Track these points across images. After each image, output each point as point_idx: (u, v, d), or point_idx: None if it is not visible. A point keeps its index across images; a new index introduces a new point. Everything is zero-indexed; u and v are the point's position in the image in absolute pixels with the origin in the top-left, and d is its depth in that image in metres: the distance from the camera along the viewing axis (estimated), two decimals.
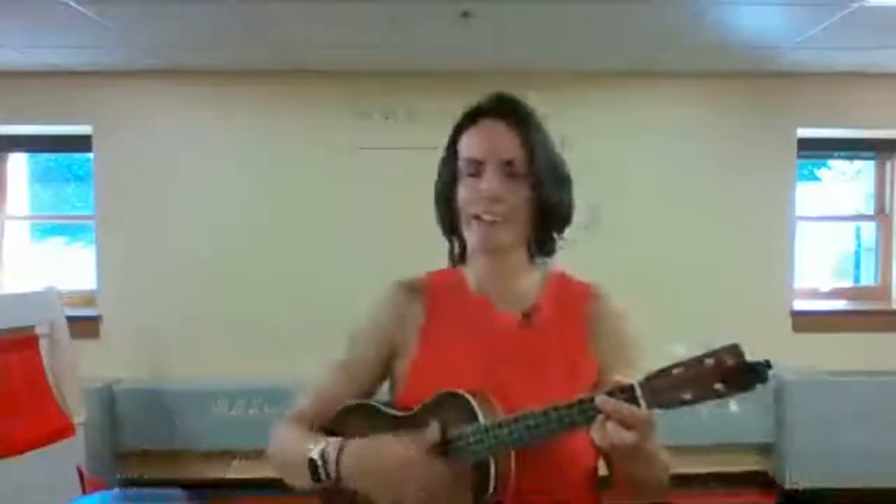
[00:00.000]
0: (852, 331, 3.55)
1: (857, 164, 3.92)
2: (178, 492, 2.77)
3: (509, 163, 1.10)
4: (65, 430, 2.73)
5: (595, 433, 0.90)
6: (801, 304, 3.62)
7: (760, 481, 3.50)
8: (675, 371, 0.86)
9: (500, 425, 0.98)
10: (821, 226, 3.90)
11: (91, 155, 3.47)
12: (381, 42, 2.92)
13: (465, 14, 2.59)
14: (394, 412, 1.11)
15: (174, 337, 3.45)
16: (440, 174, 1.19)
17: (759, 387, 0.86)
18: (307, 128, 3.45)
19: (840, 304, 3.77)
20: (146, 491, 2.93)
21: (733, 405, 0.88)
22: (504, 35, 2.86)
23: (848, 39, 2.91)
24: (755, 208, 3.54)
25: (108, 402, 3.29)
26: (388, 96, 3.37)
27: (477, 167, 1.11)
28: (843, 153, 3.88)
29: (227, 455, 3.34)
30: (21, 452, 2.56)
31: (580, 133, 3.46)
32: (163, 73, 3.40)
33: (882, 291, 3.78)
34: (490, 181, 1.09)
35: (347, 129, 3.42)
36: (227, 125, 3.47)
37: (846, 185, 4.00)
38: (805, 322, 3.57)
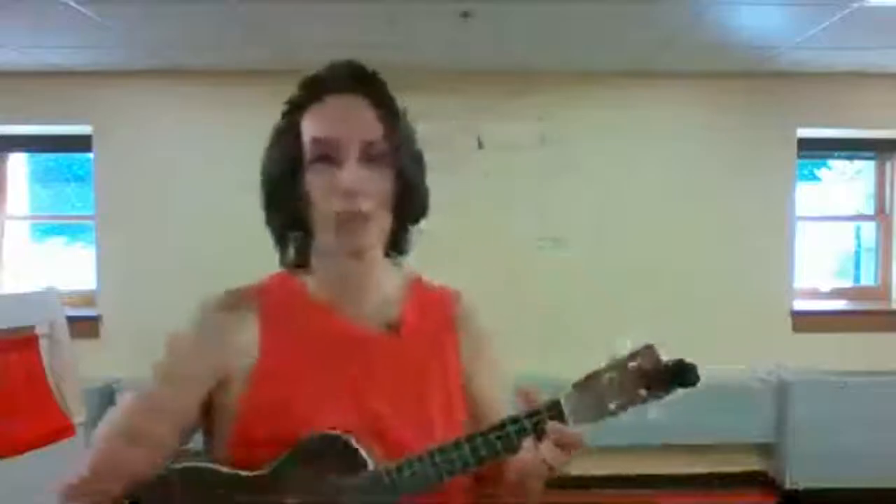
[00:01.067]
0: (852, 331, 3.55)
1: (857, 164, 3.92)
2: None
3: (369, 144, 0.90)
4: (65, 430, 2.73)
5: (529, 455, 0.80)
6: (801, 304, 3.62)
7: (760, 481, 3.50)
8: (600, 379, 0.81)
9: (398, 469, 0.81)
10: (821, 226, 3.90)
11: (91, 155, 3.47)
12: (381, 42, 2.92)
13: (465, 14, 2.59)
14: (241, 473, 0.83)
15: None
16: (272, 158, 0.97)
17: (680, 390, 0.79)
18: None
19: (840, 304, 3.77)
20: None
21: (652, 412, 0.80)
22: (503, 35, 2.86)
23: (848, 39, 2.91)
24: (755, 208, 3.54)
25: (108, 402, 3.29)
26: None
27: (327, 150, 0.90)
28: (843, 153, 3.88)
29: None
30: (21, 452, 2.56)
31: (579, 133, 3.47)
32: (163, 73, 3.39)
33: (882, 291, 3.78)
34: (351, 170, 0.88)
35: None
36: (227, 125, 3.47)
37: (846, 185, 4.00)
38: (805, 322, 3.57)
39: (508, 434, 0.81)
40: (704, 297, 3.46)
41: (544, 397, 0.83)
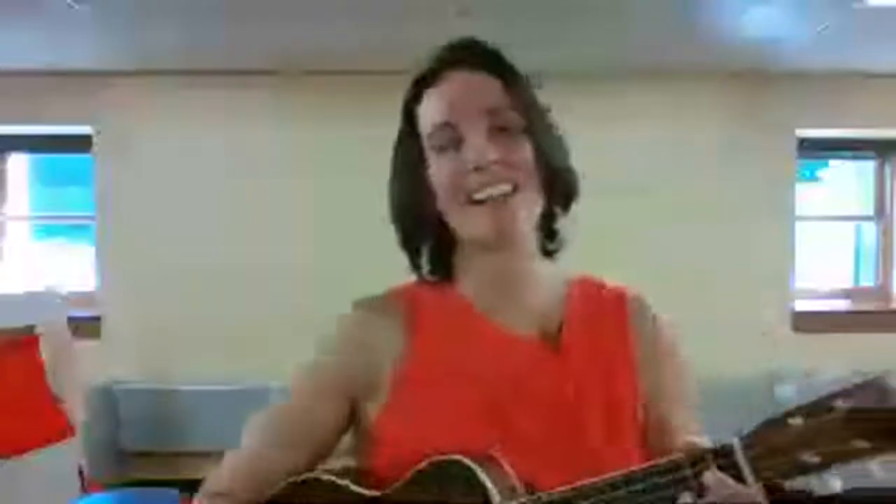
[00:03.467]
0: (852, 331, 3.55)
1: (858, 164, 3.92)
2: (177, 492, 2.77)
3: (495, 112, 0.79)
4: (65, 431, 2.73)
5: None
6: (801, 304, 3.62)
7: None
8: (790, 422, 0.60)
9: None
10: (821, 226, 3.90)
11: (91, 155, 3.47)
12: (381, 42, 2.92)
13: (462, 13, 2.59)
14: (362, 491, 0.78)
15: (174, 337, 3.45)
16: (396, 165, 0.88)
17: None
18: (308, 128, 3.45)
19: (840, 305, 3.77)
20: (146, 491, 2.93)
21: (876, 470, 0.61)
22: (502, 34, 2.86)
23: (848, 39, 2.91)
24: (755, 208, 3.53)
25: (108, 402, 3.29)
26: (390, 96, 3.36)
27: (452, 134, 0.79)
28: (843, 153, 3.88)
29: None
30: (21, 452, 2.56)
31: (578, 132, 3.47)
32: (163, 74, 3.39)
33: (882, 291, 3.78)
34: (477, 145, 0.77)
35: (350, 129, 3.42)
36: (227, 125, 3.47)
37: (846, 185, 4.00)
38: (805, 322, 3.56)
39: (664, 481, 0.63)
40: (704, 297, 3.46)
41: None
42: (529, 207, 0.80)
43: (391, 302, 0.87)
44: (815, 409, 0.60)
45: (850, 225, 3.96)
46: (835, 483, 0.61)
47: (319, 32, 2.81)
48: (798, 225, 3.61)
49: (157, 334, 3.45)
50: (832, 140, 3.71)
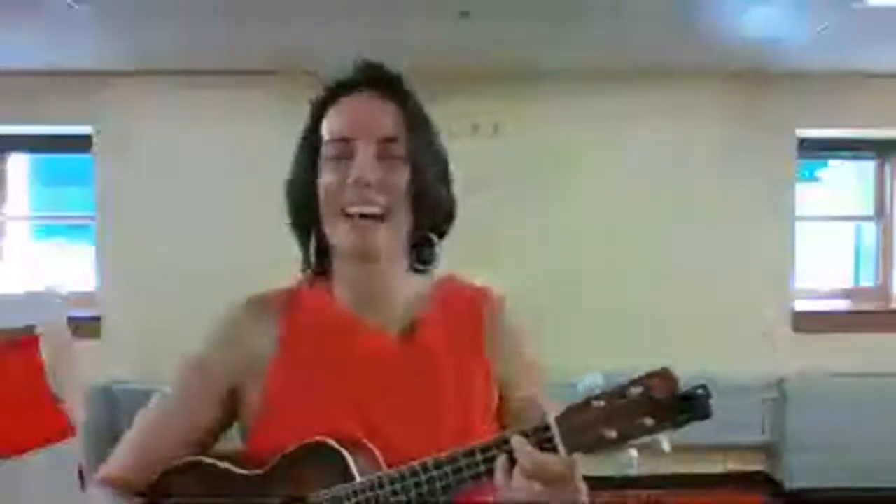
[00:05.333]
0: (852, 331, 3.55)
1: (858, 164, 3.92)
2: None
3: (389, 140, 0.87)
4: (65, 431, 2.73)
5: (499, 485, 0.72)
6: (801, 304, 3.62)
7: (760, 481, 3.50)
8: (594, 404, 0.71)
9: (380, 484, 0.78)
10: (821, 226, 3.90)
11: (91, 155, 3.47)
12: (381, 42, 2.92)
13: (464, 14, 2.59)
14: (238, 471, 0.86)
15: (175, 337, 3.42)
16: (296, 160, 0.96)
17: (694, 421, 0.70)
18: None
19: (840, 305, 3.77)
20: None
21: (665, 444, 0.71)
22: (502, 34, 2.86)
23: (848, 39, 2.91)
24: (755, 208, 3.53)
25: (108, 402, 3.29)
26: None
27: (345, 148, 0.87)
28: (843, 153, 3.88)
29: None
30: (21, 452, 2.56)
31: (578, 133, 3.47)
32: (163, 74, 3.39)
33: (882, 291, 3.78)
34: (364, 163, 0.85)
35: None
36: (227, 125, 3.47)
37: (846, 185, 4.00)
38: (805, 322, 3.57)
39: (476, 461, 0.74)
40: (704, 297, 3.46)
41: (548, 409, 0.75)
42: (395, 230, 0.88)
43: (273, 299, 0.96)
44: (613, 394, 0.71)
45: (850, 225, 3.96)
46: (632, 454, 0.71)
47: (319, 32, 2.81)
48: (798, 225, 3.61)
49: (158, 334, 3.44)
50: (832, 140, 3.71)
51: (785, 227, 3.58)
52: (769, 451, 3.49)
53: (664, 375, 0.70)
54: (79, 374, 2.86)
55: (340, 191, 0.86)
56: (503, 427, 0.90)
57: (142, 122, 3.46)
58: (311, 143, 0.92)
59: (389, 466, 0.80)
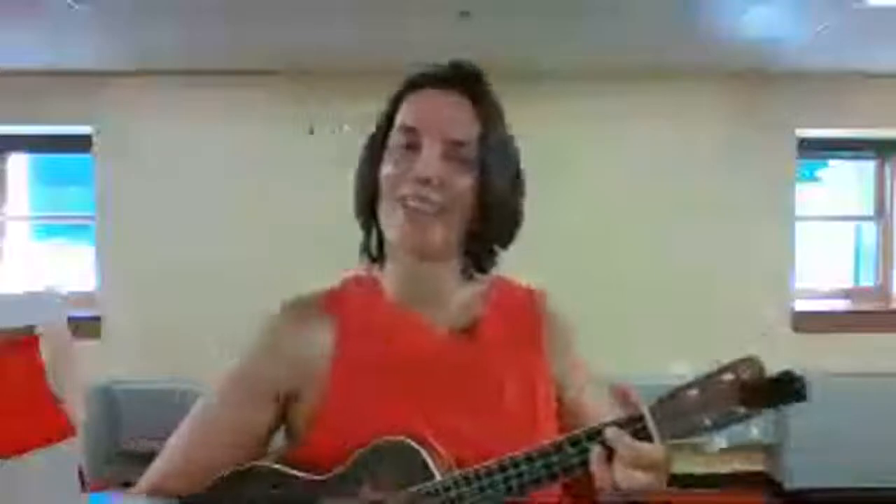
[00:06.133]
0: (852, 331, 3.55)
1: (858, 164, 3.92)
2: None
3: (457, 143, 0.85)
4: (65, 431, 2.73)
5: (599, 475, 0.73)
6: (801, 304, 3.62)
7: (760, 481, 3.50)
8: (688, 392, 0.73)
9: (466, 480, 0.77)
10: (821, 226, 3.90)
11: (91, 155, 3.47)
12: (381, 42, 2.92)
13: (464, 13, 2.59)
14: (306, 476, 0.83)
15: (175, 337, 3.44)
16: (364, 148, 0.93)
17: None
18: (308, 128, 3.44)
19: (840, 305, 3.77)
20: None
21: (718, 443, 0.74)
22: (502, 34, 2.86)
23: (848, 39, 2.91)
24: (755, 208, 3.53)
25: (108, 402, 3.29)
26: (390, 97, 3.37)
27: (413, 139, 0.86)
28: (843, 153, 3.88)
29: None
30: (21, 452, 2.56)
31: (578, 133, 3.47)
32: (163, 74, 3.39)
33: (882, 291, 3.78)
34: (428, 160, 0.83)
35: (350, 129, 3.42)
36: (227, 125, 3.47)
37: (846, 185, 4.00)
38: (805, 322, 3.57)
39: (581, 447, 0.74)
40: (704, 297, 3.46)
41: (635, 397, 0.76)
42: (448, 230, 0.86)
43: (319, 301, 0.93)
44: (706, 381, 0.72)
45: (850, 225, 3.96)
46: (720, 441, 0.74)
47: (319, 32, 2.81)
48: (798, 225, 3.61)
49: (157, 334, 3.45)
50: (832, 140, 3.71)
51: (785, 227, 3.58)
52: (769, 451, 3.49)
53: (752, 361, 0.71)
54: (79, 374, 2.86)
55: (400, 182, 0.85)
56: (561, 426, 0.90)
57: (142, 122, 3.46)
58: (381, 132, 0.90)
59: (456, 465, 0.80)
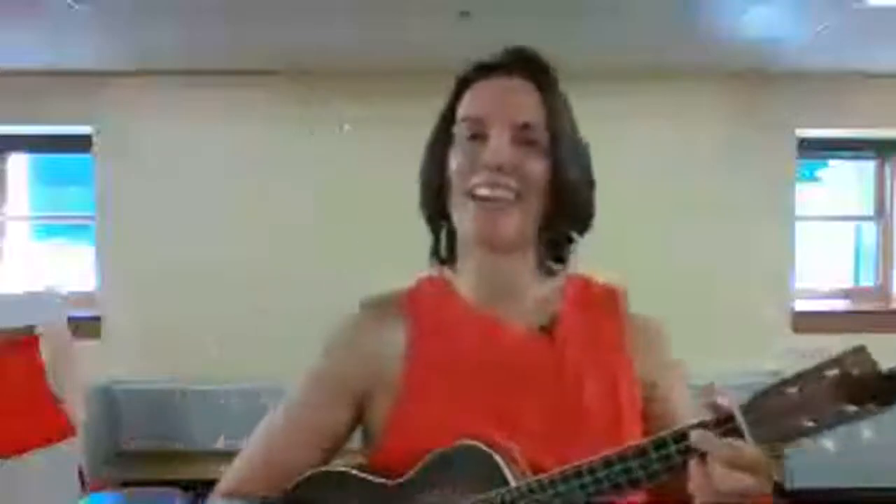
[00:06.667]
0: (852, 331, 3.55)
1: (858, 164, 3.92)
2: (177, 492, 2.77)
3: (525, 126, 0.82)
4: (65, 431, 2.73)
5: (696, 480, 0.65)
6: (801, 304, 3.62)
7: None
8: (786, 390, 0.64)
9: (541, 487, 0.72)
10: (821, 226, 3.90)
11: (91, 155, 3.47)
12: (381, 42, 2.92)
13: (464, 13, 2.59)
14: (379, 480, 0.82)
15: (175, 337, 3.45)
16: (430, 143, 0.90)
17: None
18: (308, 128, 3.45)
19: (840, 305, 3.77)
20: (146, 490, 2.93)
21: (867, 431, 0.68)
22: (502, 34, 2.86)
23: (848, 39, 2.91)
24: (755, 208, 3.53)
25: (108, 402, 3.29)
26: (391, 97, 3.38)
27: (480, 129, 0.83)
28: (843, 153, 3.88)
29: (227, 455, 3.34)
30: (21, 452, 2.56)
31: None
32: (163, 73, 3.39)
33: (882, 291, 3.78)
34: (498, 146, 0.81)
35: (350, 129, 3.42)
36: (227, 125, 3.47)
37: (846, 185, 4.00)
38: (805, 322, 3.56)
39: (665, 452, 0.67)
40: (704, 297, 3.46)
41: (730, 397, 0.68)
42: (525, 217, 0.83)
43: (394, 301, 0.91)
44: (807, 377, 0.63)
45: (850, 225, 3.96)
46: (826, 445, 0.63)
47: (319, 32, 2.81)
48: (798, 225, 3.61)
49: (158, 334, 3.45)
50: (832, 140, 3.71)
51: (785, 226, 3.57)
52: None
53: (861, 354, 0.64)
54: (79, 374, 2.86)
55: (471, 173, 0.82)
56: (648, 429, 0.84)
57: (142, 122, 3.46)
58: (445, 126, 0.88)
59: (532, 469, 0.76)
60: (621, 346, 0.88)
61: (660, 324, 0.96)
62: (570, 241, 0.91)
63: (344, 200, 3.44)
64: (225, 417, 3.28)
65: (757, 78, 3.47)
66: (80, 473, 2.76)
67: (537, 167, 0.82)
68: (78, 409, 2.82)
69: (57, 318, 2.81)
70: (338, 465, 0.87)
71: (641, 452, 0.68)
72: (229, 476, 0.91)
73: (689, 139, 3.54)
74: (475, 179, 0.81)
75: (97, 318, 3.45)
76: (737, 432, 0.64)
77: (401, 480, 0.80)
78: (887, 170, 3.79)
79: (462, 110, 0.86)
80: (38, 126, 3.53)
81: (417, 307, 0.89)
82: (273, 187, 3.45)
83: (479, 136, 0.83)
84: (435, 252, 0.91)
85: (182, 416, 3.30)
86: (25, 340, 2.70)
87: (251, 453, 0.91)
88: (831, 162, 3.98)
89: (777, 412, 0.64)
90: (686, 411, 0.85)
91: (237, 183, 3.47)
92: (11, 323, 2.69)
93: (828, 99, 3.50)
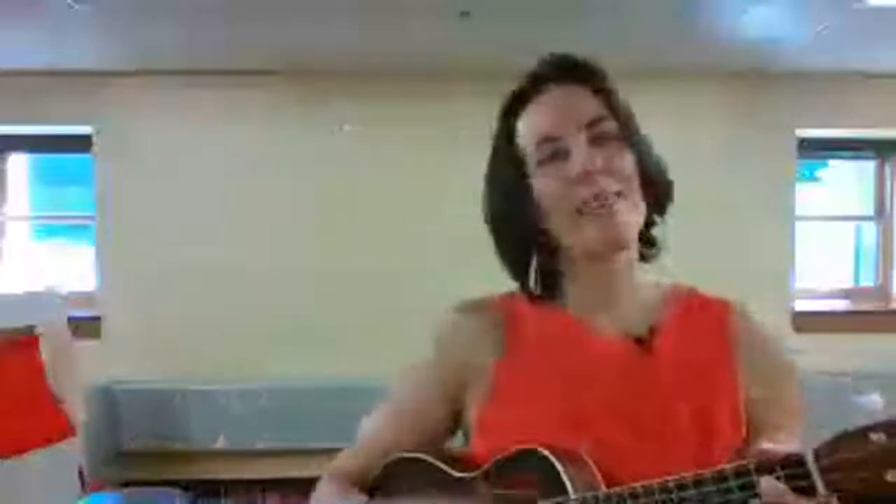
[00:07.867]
0: (852, 331, 3.55)
1: (858, 164, 3.92)
2: (177, 492, 2.77)
3: (593, 123, 0.83)
4: (65, 431, 2.73)
5: None
6: (801, 304, 3.62)
7: None
8: (871, 437, 0.57)
9: (595, 501, 0.70)
10: (821, 226, 3.90)
11: (91, 155, 3.47)
12: (381, 42, 2.92)
13: (464, 13, 2.59)
14: (452, 471, 0.84)
15: (175, 337, 3.44)
16: (493, 182, 0.89)
17: None
18: (309, 128, 3.45)
19: (840, 304, 3.77)
20: (146, 490, 2.93)
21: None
22: (502, 34, 2.86)
23: (848, 39, 2.91)
24: (755, 208, 3.53)
25: (108, 402, 3.29)
26: (391, 97, 3.37)
27: (555, 148, 0.82)
28: (843, 153, 3.88)
29: (227, 455, 3.34)
30: (21, 452, 2.56)
31: None
32: (163, 73, 3.39)
33: (882, 291, 3.78)
34: (581, 154, 0.80)
35: (351, 129, 3.42)
36: (227, 125, 3.47)
37: (846, 185, 4.00)
38: (805, 322, 3.56)
39: (726, 485, 0.63)
40: None
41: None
42: (634, 214, 0.83)
43: (493, 304, 0.92)
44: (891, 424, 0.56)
45: (850, 225, 3.96)
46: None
47: (319, 32, 2.81)
48: (798, 225, 3.61)
49: (158, 334, 3.45)
50: (832, 140, 3.71)
51: (785, 227, 3.57)
52: None
53: None
54: (79, 374, 2.86)
55: (568, 191, 0.81)
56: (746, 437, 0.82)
57: (142, 122, 3.46)
58: (508, 155, 0.87)
59: (609, 484, 0.73)
60: (728, 363, 0.85)
61: (779, 344, 0.93)
62: (654, 223, 0.92)
63: (344, 200, 3.44)
64: (225, 417, 3.28)
65: (757, 78, 3.47)
66: (80, 473, 2.76)
67: (624, 160, 0.83)
68: (78, 409, 2.82)
69: (57, 318, 2.81)
70: (422, 453, 0.89)
71: (721, 478, 0.64)
72: (339, 456, 0.96)
73: (689, 139, 3.54)
74: (578, 195, 0.81)
75: (97, 318, 3.45)
76: (807, 478, 0.59)
77: (464, 475, 0.82)
78: (887, 170, 3.79)
79: (529, 135, 0.86)
80: (38, 126, 3.52)
81: (517, 311, 0.90)
82: (273, 187, 3.45)
83: (559, 154, 0.83)
84: (525, 289, 0.89)
85: (182, 416, 3.30)
86: (25, 340, 2.70)
87: (363, 433, 0.96)
88: (831, 162, 3.98)
89: (859, 462, 0.57)
90: (788, 421, 0.83)
91: (237, 183, 3.47)
92: (11, 323, 2.69)
93: (828, 99, 3.50)
